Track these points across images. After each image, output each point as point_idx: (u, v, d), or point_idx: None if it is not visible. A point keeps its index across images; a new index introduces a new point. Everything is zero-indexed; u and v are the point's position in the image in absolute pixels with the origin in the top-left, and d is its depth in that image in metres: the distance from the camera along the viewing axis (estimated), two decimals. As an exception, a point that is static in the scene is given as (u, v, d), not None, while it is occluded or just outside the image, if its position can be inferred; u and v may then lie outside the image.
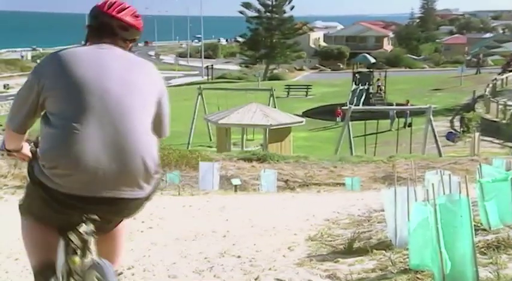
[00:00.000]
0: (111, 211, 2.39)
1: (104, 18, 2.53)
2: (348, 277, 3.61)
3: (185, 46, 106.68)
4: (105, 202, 2.32)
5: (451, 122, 34.14)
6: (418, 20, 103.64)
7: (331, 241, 4.74)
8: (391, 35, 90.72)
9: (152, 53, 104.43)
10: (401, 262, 3.75)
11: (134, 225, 5.31)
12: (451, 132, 29.31)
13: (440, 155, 21.14)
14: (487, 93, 36.82)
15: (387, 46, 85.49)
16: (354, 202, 7.05)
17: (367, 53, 52.63)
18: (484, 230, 4.27)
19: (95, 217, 2.35)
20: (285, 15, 70.67)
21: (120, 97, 2.35)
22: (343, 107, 28.17)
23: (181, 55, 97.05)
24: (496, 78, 44.59)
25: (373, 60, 45.99)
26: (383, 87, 43.14)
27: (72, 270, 2.33)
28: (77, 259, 2.34)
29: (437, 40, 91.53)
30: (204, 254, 4.39)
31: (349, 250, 4.27)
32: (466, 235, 3.15)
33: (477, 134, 23.72)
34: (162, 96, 2.52)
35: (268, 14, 70.06)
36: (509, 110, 30.59)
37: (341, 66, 75.93)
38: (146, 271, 3.99)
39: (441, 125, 31.20)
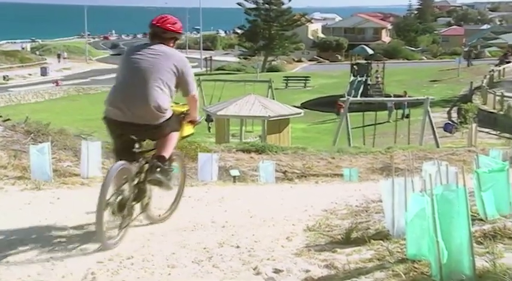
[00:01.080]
0: (136, 130, 4.42)
1: (153, 27, 4.61)
2: (346, 267, 3.65)
3: (184, 38, 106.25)
4: (131, 125, 4.37)
5: (449, 113, 34.24)
6: (416, 12, 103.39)
7: (329, 231, 4.76)
8: (389, 26, 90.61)
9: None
10: (398, 252, 3.78)
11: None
12: (449, 123, 29.38)
13: (437, 146, 21.19)
14: (484, 84, 36.85)
15: (385, 38, 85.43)
16: (352, 192, 7.07)
17: (365, 44, 52.59)
18: (481, 220, 4.31)
19: (133, 134, 4.44)
20: (283, 6, 70.49)
21: (146, 71, 4.41)
22: (341, 99, 28.18)
23: (180, 47, 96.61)
24: (493, 70, 44.61)
25: (371, 52, 45.94)
26: (381, 79, 43.13)
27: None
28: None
29: (435, 32, 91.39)
30: (203, 244, 4.42)
31: (347, 240, 4.30)
32: (462, 225, 3.18)
33: (474, 125, 23.80)
34: (181, 70, 4.53)
35: (266, 5, 69.85)
36: (506, 101, 30.66)
37: (339, 57, 75.92)
38: (145, 261, 4.02)
39: (439, 116, 31.28)
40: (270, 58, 70.83)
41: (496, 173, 4.52)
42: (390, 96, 34.84)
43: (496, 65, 49.89)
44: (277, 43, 70.11)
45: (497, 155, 8.21)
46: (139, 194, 4.51)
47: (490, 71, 43.72)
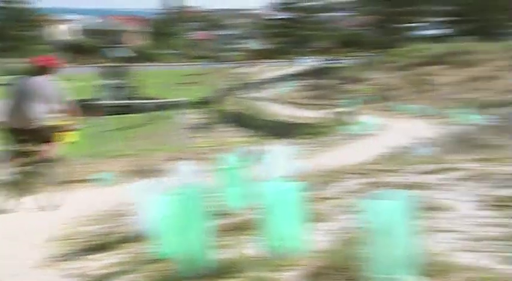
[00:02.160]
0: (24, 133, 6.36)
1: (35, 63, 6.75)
2: (97, 273, 3.62)
3: None
4: (23, 130, 6.34)
5: (200, 114, 35.89)
6: (166, 16, 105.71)
7: (82, 238, 4.67)
8: (140, 29, 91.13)
9: None
10: (150, 253, 3.87)
11: None
12: (201, 123, 30.82)
13: (190, 146, 22.08)
14: (230, 86, 39.53)
15: (137, 41, 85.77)
16: (108, 197, 7.02)
17: (118, 47, 52.20)
18: (225, 214, 4.64)
19: (26, 136, 6.38)
20: (27, 6, 66.06)
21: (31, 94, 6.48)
22: (96, 102, 27.61)
23: None
24: (236, 73, 48.11)
25: (124, 55, 45.82)
26: (135, 82, 43.30)
27: None
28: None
29: (185, 36, 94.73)
30: None
31: (100, 246, 4.26)
32: (203, 221, 3.39)
33: (222, 125, 25.36)
34: (55, 94, 6.59)
35: (4, 4, 64.72)
36: (249, 102, 33.34)
37: (90, 60, 73.94)
38: None
39: (191, 117, 32.58)
40: (15, 60, 65.76)
41: (237, 170, 4.93)
42: (146, 99, 35.21)
43: (237, 68, 53.83)
44: (20, 44, 65.30)
45: (241, 154, 8.91)
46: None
47: (235, 74, 47.03)
